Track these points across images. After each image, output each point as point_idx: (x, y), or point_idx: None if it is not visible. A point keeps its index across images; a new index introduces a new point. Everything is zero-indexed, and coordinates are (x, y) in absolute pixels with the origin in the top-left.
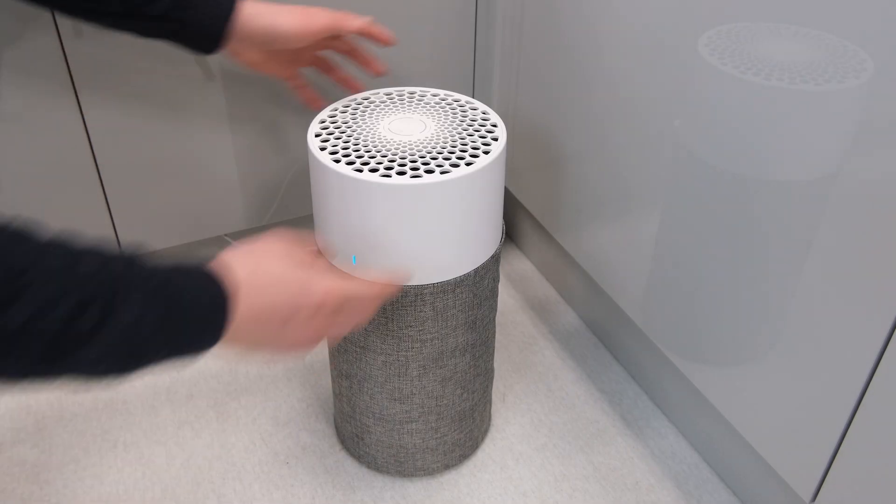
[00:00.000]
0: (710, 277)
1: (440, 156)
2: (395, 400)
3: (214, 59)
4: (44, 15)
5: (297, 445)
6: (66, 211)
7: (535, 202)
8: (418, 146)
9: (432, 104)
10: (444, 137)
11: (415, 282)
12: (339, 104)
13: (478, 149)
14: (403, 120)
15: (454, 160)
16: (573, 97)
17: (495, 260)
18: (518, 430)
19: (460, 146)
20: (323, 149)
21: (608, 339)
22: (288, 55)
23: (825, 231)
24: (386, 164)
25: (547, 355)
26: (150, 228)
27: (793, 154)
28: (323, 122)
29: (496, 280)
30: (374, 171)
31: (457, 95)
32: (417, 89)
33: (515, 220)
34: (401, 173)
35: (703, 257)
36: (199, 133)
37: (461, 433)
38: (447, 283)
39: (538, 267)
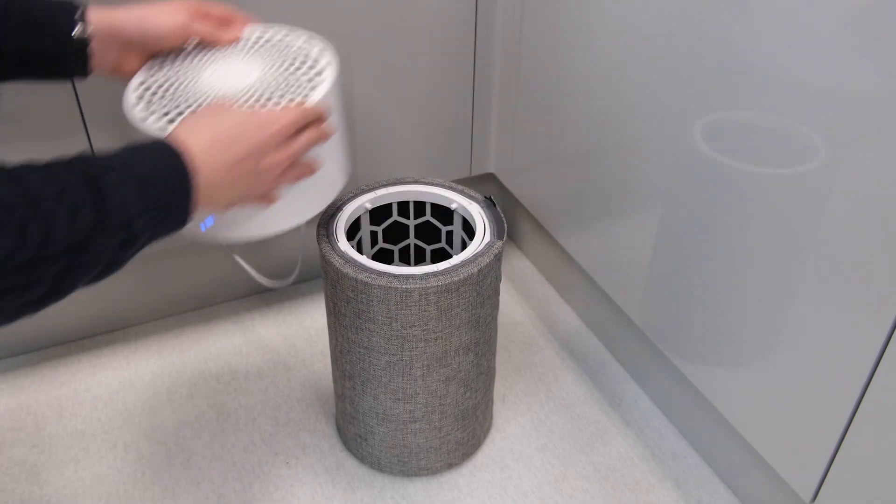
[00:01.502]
0: (709, 277)
1: (269, 102)
2: (398, 400)
3: None
4: None
5: (297, 445)
6: None
7: (535, 202)
8: (242, 94)
9: (257, 47)
10: (266, 83)
11: (276, 229)
12: (155, 60)
13: (303, 89)
14: (225, 68)
15: (283, 103)
16: (573, 97)
17: (497, 258)
18: (518, 430)
19: (287, 89)
20: (143, 119)
21: (608, 339)
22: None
23: (825, 231)
24: None
25: (547, 355)
26: None
27: (792, 143)
28: (143, 81)
29: (498, 279)
30: None
31: (284, 32)
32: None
33: (515, 220)
34: None
35: (702, 257)
36: None
37: (464, 432)
38: (451, 282)
39: (538, 267)
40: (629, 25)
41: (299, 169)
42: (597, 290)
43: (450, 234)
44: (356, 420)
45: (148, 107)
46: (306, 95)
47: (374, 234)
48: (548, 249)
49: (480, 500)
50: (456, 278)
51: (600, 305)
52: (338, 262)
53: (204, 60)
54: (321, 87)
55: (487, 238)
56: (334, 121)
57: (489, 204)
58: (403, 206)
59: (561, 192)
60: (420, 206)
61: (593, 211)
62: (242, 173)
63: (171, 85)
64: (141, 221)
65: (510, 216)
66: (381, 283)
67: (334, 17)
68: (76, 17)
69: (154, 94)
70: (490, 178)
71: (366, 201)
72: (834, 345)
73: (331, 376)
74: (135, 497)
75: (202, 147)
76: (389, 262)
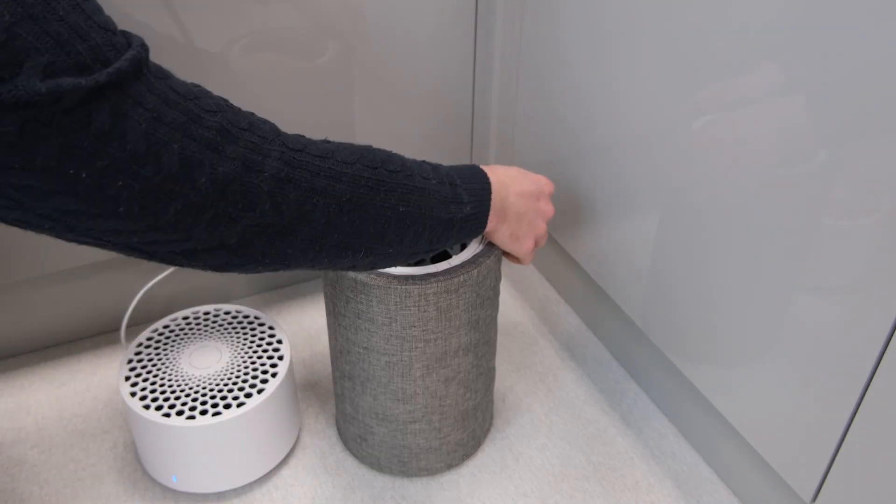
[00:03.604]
0: (710, 277)
1: (235, 387)
2: (398, 400)
3: (211, 60)
4: None
5: (297, 445)
6: None
7: None
8: (216, 379)
9: (225, 325)
10: (236, 364)
11: (222, 488)
12: (142, 337)
13: (266, 372)
14: (201, 349)
15: (247, 389)
16: (573, 97)
17: (497, 259)
18: (518, 430)
19: (251, 373)
20: (133, 394)
21: (608, 339)
22: None
23: (826, 230)
24: (190, 404)
25: (547, 355)
26: None
27: (792, 142)
28: (130, 361)
29: (498, 279)
30: (180, 413)
31: (247, 311)
32: (212, 309)
33: None
34: (203, 412)
35: (702, 257)
36: None
37: (464, 433)
38: (451, 283)
39: (538, 267)
40: (630, 25)
41: (544, 235)
42: (597, 290)
43: None
44: (356, 420)
45: (135, 385)
46: (264, 382)
47: None
48: (547, 249)
49: (480, 500)
50: (456, 279)
51: (600, 305)
52: None
53: (185, 339)
54: (279, 375)
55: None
56: None
57: None
58: None
59: (560, 191)
60: None
61: (593, 211)
62: (525, 202)
63: (157, 367)
64: (464, 193)
65: None
66: (380, 284)
67: (334, 16)
68: None
69: (140, 375)
70: None
71: None
72: (834, 345)
73: (330, 376)
74: (135, 497)
75: (498, 172)
76: None
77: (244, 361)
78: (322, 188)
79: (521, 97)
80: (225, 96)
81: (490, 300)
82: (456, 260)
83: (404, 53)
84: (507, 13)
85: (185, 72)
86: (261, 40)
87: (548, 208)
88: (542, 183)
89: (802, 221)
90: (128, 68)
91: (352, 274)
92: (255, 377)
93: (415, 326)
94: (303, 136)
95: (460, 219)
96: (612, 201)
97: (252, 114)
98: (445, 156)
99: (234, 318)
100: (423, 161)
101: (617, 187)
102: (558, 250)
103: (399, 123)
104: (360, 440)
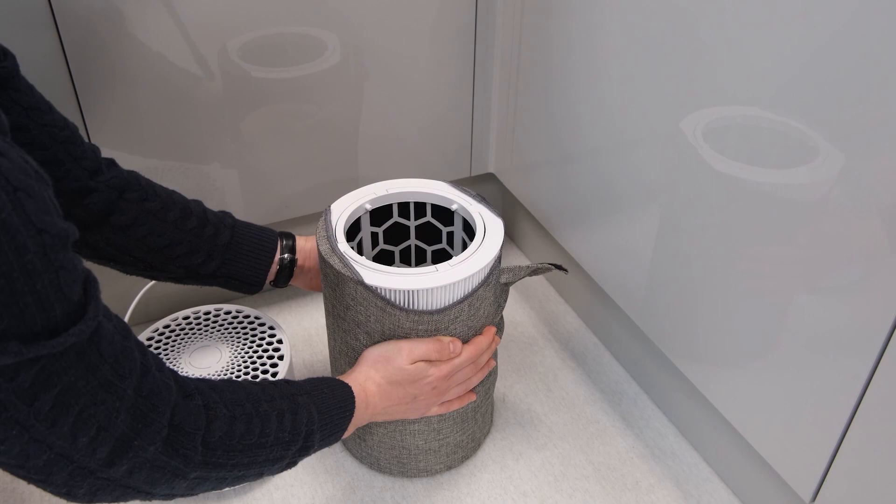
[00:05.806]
0: (709, 277)
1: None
2: None
3: (214, 63)
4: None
5: None
6: None
7: (535, 202)
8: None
9: (226, 325)
10: (237, 364)
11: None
12: (143, 336)
13: (267, 372)
14: (202, 349)
15: None
16: (573, 97)
17: (497, 261)
18: (518, 430)
19: (251, 373)
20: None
21: (608, 340)
22: None
23: (826, 230)
24: None
25: (547, 355)
26: None
27: (792, 142)
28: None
29: (498, 280)
30: None
31: (247, 311)
32: (212, 308)
33: (515, 220)
34: None
35: (703, 257)
36: (200, 131)
37: (463, 434)
38: (444, 317)
39: None
40: (629, 25)
41: (455, 403)
42: (597, 290)
43: (450, 234)
44: None
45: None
46: None
47: (374, 235)
48: (548, 249)
49: (480, 500)
50: (451, 313)
51: (600, 305)
52: (337, 264)
53: (186, 339)
54: (279, 374)
55: (488, 239)
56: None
57: (483, 202)
58: (404, 207)
59: (561, 192)
60: (420, 207)
61: (593, 211)
62: (398, 408)
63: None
64: (317, 436)
65: (510, 216)
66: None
67: (335, 17)
68: (285, 245)
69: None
70: (490, 178)
71: (366, 202)
72: (834, 345)
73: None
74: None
75: (370, 392)
76: (390, 263)
77: (244, 361)
78: (176, 470)
79: (521, 97)
80: (226, 97)
81: (489, 317)
82: (456, 260)
83: (404, 54)
84: (507, 16)
85: (185, 72)
86: (262, 41)
87: (431, 400)
88: (427, 379)
89: (803, 221)
90: (70, 344)
91: (351, 276)
92: (255, 377)
93: (411, 334)
94: (202, 409)
95: (301, 459)
96: (612, 201)
97: (161, 372)
98: (446, 156)
99: (235, 318)
100: (300, 396)
101: (617, 187)
102: (558, 250)
103: (399, 123)
104: (358, 440)
